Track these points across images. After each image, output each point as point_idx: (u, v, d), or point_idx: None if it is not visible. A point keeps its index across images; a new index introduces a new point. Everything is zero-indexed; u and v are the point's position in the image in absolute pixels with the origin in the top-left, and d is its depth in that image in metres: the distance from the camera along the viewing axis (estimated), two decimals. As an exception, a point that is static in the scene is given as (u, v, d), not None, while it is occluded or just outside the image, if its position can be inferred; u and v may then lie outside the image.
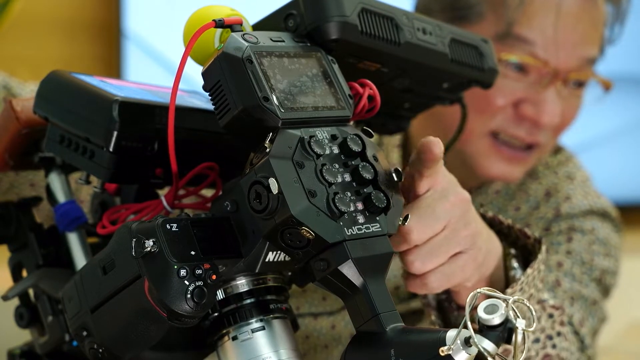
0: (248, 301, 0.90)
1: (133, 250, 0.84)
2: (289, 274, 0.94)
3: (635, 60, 2.48)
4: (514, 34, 1.44)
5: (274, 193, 0.81)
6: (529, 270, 1.14)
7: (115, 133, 0.90)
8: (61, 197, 1.02)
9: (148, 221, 0.86)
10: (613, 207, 1.62)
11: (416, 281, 1.00)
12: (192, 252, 0.85)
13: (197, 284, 0.84)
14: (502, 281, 1.18)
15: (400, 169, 0.89)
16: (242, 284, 0.90)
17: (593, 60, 1.50)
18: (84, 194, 1.32)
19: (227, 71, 0.85)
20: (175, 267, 0.83)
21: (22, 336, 1.06)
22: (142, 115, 0.92)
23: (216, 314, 0.90)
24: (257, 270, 0.88)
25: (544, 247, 1.17)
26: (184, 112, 0.95)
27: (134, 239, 0.84)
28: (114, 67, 2.09)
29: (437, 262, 0.98)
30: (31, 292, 1.02)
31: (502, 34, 1.44)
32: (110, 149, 0.91)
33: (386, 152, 1.57)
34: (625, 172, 2.74)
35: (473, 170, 1.50)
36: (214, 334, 0.90)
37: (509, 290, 1.12)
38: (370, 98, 0.92)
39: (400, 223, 0.88)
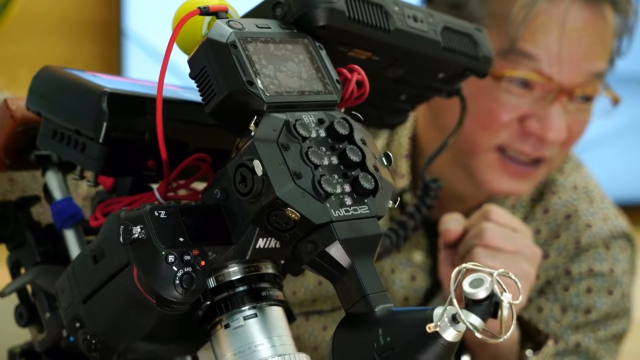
0: (240, 289, 0.89)
1: (121, 237, 0.84)
2: (282, 262, 0.93)
3: (638, 60, 2.47)
4: (518, 49, 1.44)
5: (259, 175, 0.81)
6: (534, 358, 1.34)
7: (104, 124, 0.91)
8: (58, 195, 1.02)
9: (136, 209, 0.86)
10: (628, 225, 1.62)
11: None
12: (181, 239, 0.85)
13: (185, 270, 0.84)
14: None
15: (390, 154, 0.89)
16: (234, 271, 0.89)
17: (601, 74, 1.49)
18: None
19: (212, 57, 0.85)
20: (163, 253, 0.83)
21: (23, 335, 1.06)
22: (131, 107, 0.92)
23: (208, 303, 0.89)
24: (248, 257, 0.88)
25: (550, 342, 1.37)
26: (175, 104, 0.96)
27: (122, 226, 0.84)
28: (114, 66, 2.10)
29: None
30: (30, 290, 1.03)
31: (506, 49, 1.45)
32: (100, 141, 0.91)
33: (395, 162, 1.56)
34: (628, 171, 2.73)
35: (479, 185, 1.50)
36: (207, 323, 0.90)
37: None
38: (359, 84, 0.91)
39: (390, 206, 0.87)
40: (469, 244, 1.35)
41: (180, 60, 0.92)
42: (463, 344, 1.44)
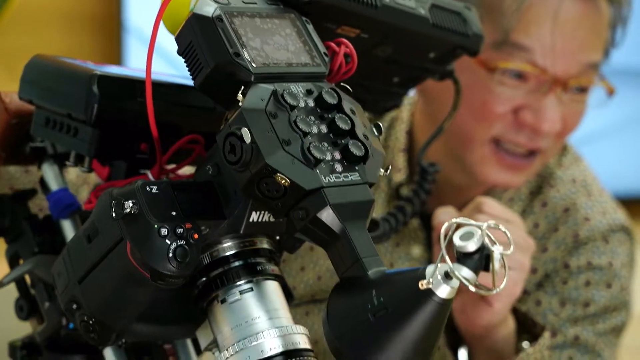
0: (236, 264, 0.89)
1: (113, 212, 0.84)
2: (278, 238, 0.93)
3: (636, 53, 2.47)
4: (511, 41, 1.44)
5: (247, 143, 0.81)
6: (530, 349, 1.37)
7: (95, 106, 0.91)
8: (54, 186, 1.02)
9: (128, 185, 0.86)
10: (627, 218, 1.63)
11: None
12: (173, 213, 0.85)
13: (178, 243, 0.84)
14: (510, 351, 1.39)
15: (380, 125, 0.89)
16: (228, 246, 0.89)
17: (596, 65, 1.49)
18: (85, 195, 1.33)
19: (198, 31, 0.85)
20: (156, 226, 0.83)
21: (23, 330, 1.06)
22: (122, 89, 0.93)
23: (204, 279, 0.89)
24: (242, 232, 0.88)
25: (547, 334, 1.40)
26: (167, 87, 0.96)
27: (114, 201, 0.84)
28: (114, 59, 2.11)
29: None
30: (29, 282, 1.03)
31: (499, 41, 1.45)
32: (92, 123, 0.91)
33: (391, 156, 1.57)
34: (627, 165, 2.72)
35: (475, 178, 1.50)
36: (204, 300, 0.90)
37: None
38: (347, 57, 0.92)
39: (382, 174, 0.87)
40: None
41: (173, 49, 0.92)
42: (460, 338, 1.44)
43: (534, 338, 1.42)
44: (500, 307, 1.35)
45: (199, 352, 1.05)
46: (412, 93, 1.60)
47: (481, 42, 1.08)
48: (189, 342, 1.03)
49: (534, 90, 1.45)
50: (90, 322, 0.89)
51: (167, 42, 0.94)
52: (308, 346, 0.87)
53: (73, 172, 1.37)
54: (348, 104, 0.88)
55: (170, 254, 0.83)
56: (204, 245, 0.88)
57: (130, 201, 0.84)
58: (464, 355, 1.45)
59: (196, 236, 0.85)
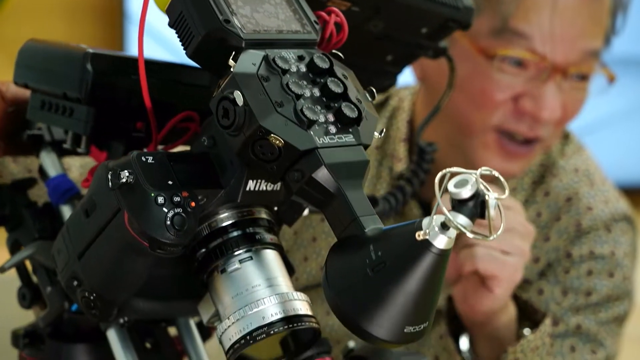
0: (234, 233, 0.89)
1: (110, 182, 0.84)
2: (275, 209, 0.93)
3: (639, 42, 2.47)
4: (510, 28, 1.44)
5: (240, 106, 0.81)
6: (531, 336, 1.37)
7: (89, 83, 0.92)
8: (52, 173, 1.03)
9: (124, 157, 0.86)
10: (629, 208, 1.62)
11: None
12: (170, 182, 0.85)
13: (176, 211, 0.84)
14: (511, 338, 1.40)
15: (373, 90, 0.89)
16: (226, 217, 0.89)
17: (596, 53, 1.48)
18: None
19: (188, 1, 0.86)
20: (153, 194, 0.83)
21: (25, 319, 1.06)
22: (115, 67, 0.94)
23: (203, 250, 0.89)
24: (239, 201, 0.88)
25: (547, 320, 1.40)
26: (162, 66, 0.97)
27: (110, 172, 0.84)
28: (116, 48, 2.10)
29: None
30: (30, 268, 1.03)
31: (498, 28, 1.45)
32: (86, 100, 0.92)
33: (393, 146, 1.57)
34: (630, 154, 2.71)
35: (473, 165, 1.50)
36: (204, 271, 0.90)
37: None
38: (338, 27, 0.92)
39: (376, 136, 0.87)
40: None
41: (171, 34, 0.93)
42: (461, 326, 1.44)
43: (535, 325, 1.42)
44: (501, 293, 1.35)
45: (204, 339, 1.05)
46: (413, 83, 1.61)
47: (472, 15, 1.09)
48: (194, 327, 1.03)
49: (533, 78, 1.45)
50: (91, 297, 0.89)
51: (171, 32, 0.95)
52: (309, 312, 0.87)
53: (76, 171, 1.37)
54: (340, 69, 0.88)
55: (168, 222, 0.83)
56: (203, 216, 0.88)
57: (126, 171, 0.84)
58: (465, 343, 1.44)
59: (193, 204, 0.85)
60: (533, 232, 1.39)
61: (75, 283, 0.90)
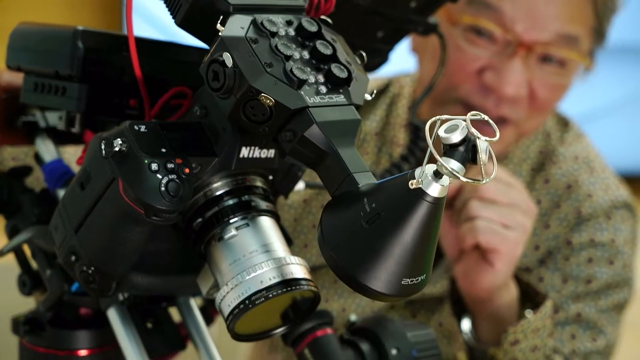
0: (230, 202, 0.89)
1: (103, 151, 0.84)
2: (271, 178, 0.94)
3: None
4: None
5: (230, 67, 0.82)
6: (532, 317, 1.37)
7: (80, 59, 0.92)
8: (48, 158, 1.03)
9: (117, 127, 0.87)
10: (629, 195, 1.62)
11: None
12: (163, 150, 0.86)
13: (170, 177, 0.84)
14: (513, 318, 1.41)
15: (363, 54, 0.90)
16: (221, 185, 0.90)
17: (574, 40, 1.48)
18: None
19: None
20: (146, 161, 0.84)
21: (25, 306, 1.06)
22: (105, 43, 0.94)
23: (200, 220, 0.89)
24: (233, 168, 0.89)
25: (549, 302, 1.41)
26: (153, 43, 0.97)
27: (103, 141, 0.85)
28: None
29: None
30: (29, 253, 1.03)
31: None
32: (78, 77, 0.92)
33: (393, 132, 1.57)
34: (630, 142, 2.71)
35: None
36: (201, 241, 0.90)
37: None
38: (326, -6, 0.93)
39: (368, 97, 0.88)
40: (465, 197, 1.35)
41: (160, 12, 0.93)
42: (463, 308, 1.43)
43: (536, 307, 1.42)
44: (502, 267, 1.35)
45: (207, 324, 1.05)
46: (413, 70, 1.61)
47: None
48: (195, 308, 1.02)
49: (500, 53, 1.45)
50: (90, 271, 0.89)
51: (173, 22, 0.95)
52: (307, 276, 0.87)
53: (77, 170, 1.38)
54: (329, 34, 0.88)
55: (163, 189, 0.84)
56: (198, 186, 0.88)
57: (119, 139, 0.84)
58: (467, 324, 1.44)
59: (187, 171, 0.85)
60: (535, 210, 1.39)
61: (73, 258, 0.90)
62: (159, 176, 0.84)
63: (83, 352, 1.01)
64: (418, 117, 1.25)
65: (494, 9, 1.44)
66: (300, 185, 1.01)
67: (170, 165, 0.85)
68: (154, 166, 0.84)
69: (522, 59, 1.45)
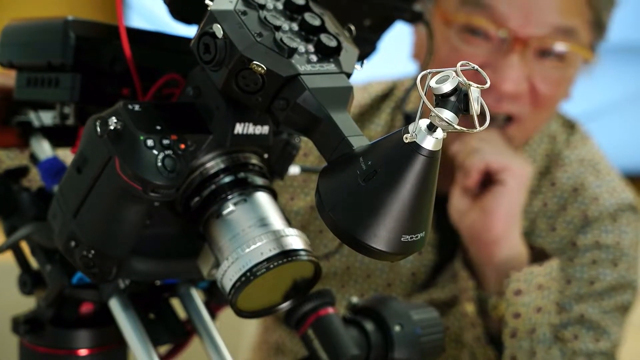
0: (226, 179, 0.90)
1: (98, 129, 0.85)
2: (266, 156, 0.94)
3: (640, 29, 2.47)
4: None
5: (220, 38, 0.83)
6: (536, 269, 1.39)
7: (72, 47, 0.93)
8: (43, 157, 1.04)
9: (111, 107, 0.87)
10: (635, 197, 1.62)
11: None
12: (158, 127, 0.86)
13: (166, 152, 0.85)
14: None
15: (352, 27, 0.91)
16: (217, 163, 0.90)
17: (571, 32, 1.48)
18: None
19: None
20: (142, 137, 0.84)
21: (25, 305, 1.06)
22: (96, 32, 0.95)
23: (197, 199, 0.90)
24: (228, 144, 0.89)
25: (555, 262, 1.43)
26: (143, 33, 0.98)
27: (98, 120, 0.85)
28: None
29: None
30: (29, 257, 1.03)
31: None
32: (70, 66, 0.93)
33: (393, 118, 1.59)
34: (634, 141, 2.70)
35: (446, 142, 1.49)
36: (200, 220, 0.90)
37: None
38: (313, -26, 0.94)
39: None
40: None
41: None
42: (468, 264, 1.44)
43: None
44: (514, 185, 1.39)
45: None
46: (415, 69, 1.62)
47: None
48: (196, 296, 1.02)
49: (496, 50, 1.45)
50: (90, 255, 0.89)
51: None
52: (306, 247, 0.87)
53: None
54: (317, 8, 0.89)
55: (159, 164, 0.84)
56: (194, 165, 0.89)
57: (114, 117, 0.85)
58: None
59: (183, 146, 0.86)
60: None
61: (73, 244, 0.90)
62: (155, 152, 0.84)
63: (83, 352, 1.01)
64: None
65: (486, 6, 1.45)
66: (295, 170, 1.02)
67: (165, 142, 0.85)
68: (150, 142, 0.84)
69: (519, 55, 1.45)
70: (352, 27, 0.90)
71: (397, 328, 0.98)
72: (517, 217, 1.42)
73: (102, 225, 0.88)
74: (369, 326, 0.99)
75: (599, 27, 1.52)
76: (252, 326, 1.78)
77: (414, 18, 1.15)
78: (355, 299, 1.03)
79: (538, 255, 1.44)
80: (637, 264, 1.60)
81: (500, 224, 1.40)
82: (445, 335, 1.52)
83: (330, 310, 0.97)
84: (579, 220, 1.57)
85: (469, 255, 1.45)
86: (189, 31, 0.99)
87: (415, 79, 1.20)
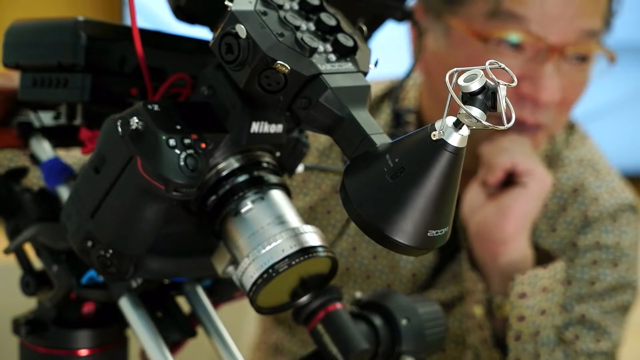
0: (242, 177, 0.91)
1: (120, 129, 0.85)
2: (278, 154, 0.95)
3: None
4: (504, 10, 1.43)
5: (243, 38, 0.84)
6: (540, 271, 1.40)
7: (83, 47, 0.93)
8: (44, 157, 1.03)
9: (129, 108, 0.88)
10: (635, 197, 1.64)
11: None
12: (178, 127, 0.87)
13: (188, 152, 0.86)
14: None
15: (363, 27, 0.92)
16: (232, 162, 0.91)
17: (595, 33, 1.47)
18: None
19: None
20: (164, 137, 0.85)
21: (26, 306, 1.05)
22: (106, 33, 0.95)
23: (214, 198, 0.90)
24: (244, 143, 0.90)
25: (560, 264, 1.44)
26: (154, 34, 0.98)
27: (120, 120, 0.86)
28: None
29: None
30: (35, 264, 1.03)
31: (492, 11, 1.43)
32: (82, 66, 0.93)
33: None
34: (632, 142, 2.72)
35: (477, 157, 1.49)
36: (217, 219, 0.91)
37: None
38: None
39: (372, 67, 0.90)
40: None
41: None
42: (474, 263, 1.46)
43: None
44: (535, 189, 1.40)
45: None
46: (417, 72, 1.62)
47: None
48: (202, 293, 1.03)
49: (531, 60, 1.44)
50: (108, 254, 0.89)
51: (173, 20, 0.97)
52: (324, 243, 0.89)
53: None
54: (331, 9, 0.91)
55: (182, 163, 0.85)
56: (211, 165, 0.90)
57: (135, 117, 0.85)
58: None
59: (203, 146, 0.87)
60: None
61: (89, 244, 0.90)
62: (177, 151, 0.85)
63: (84, 352, 1.01)
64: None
65: (518, 18, 1.42)
66: (299, 168, 1.03)
67: (187, 141, 0.86)
68: (172, 142, 0.85)
69: (554, 63, 1.44)
70: (364, 27, 0.92)
71: (404, 322, 1.00)
72: (529, 222, 1.43)
73: (121, 225, 0.89)
74: (377, 321, 1.00)
75: (607, 21, 1.52)
76: (252, 326, 1.79)
77: (404, 17, 1.16)
78: (359, 294, 1.04)
79: (543, 257, 1.45)
80: (637, 264, 1.60)
81: (513, 225, 1.41)
82: (447, 336, 1.54)
83: (339, 305, 0.99)
84: (579, 221, 1.58)
85: (473, 254, 1.46)
86: (191, 31, 1.00)
87: (405, 79, 1.24)
